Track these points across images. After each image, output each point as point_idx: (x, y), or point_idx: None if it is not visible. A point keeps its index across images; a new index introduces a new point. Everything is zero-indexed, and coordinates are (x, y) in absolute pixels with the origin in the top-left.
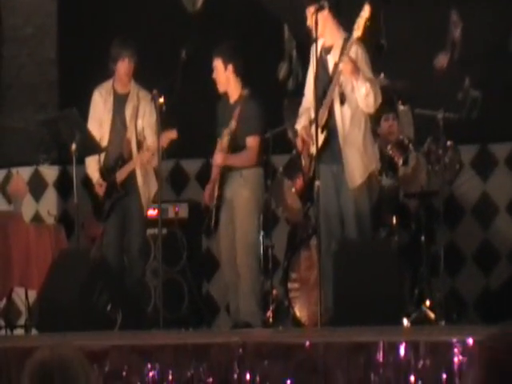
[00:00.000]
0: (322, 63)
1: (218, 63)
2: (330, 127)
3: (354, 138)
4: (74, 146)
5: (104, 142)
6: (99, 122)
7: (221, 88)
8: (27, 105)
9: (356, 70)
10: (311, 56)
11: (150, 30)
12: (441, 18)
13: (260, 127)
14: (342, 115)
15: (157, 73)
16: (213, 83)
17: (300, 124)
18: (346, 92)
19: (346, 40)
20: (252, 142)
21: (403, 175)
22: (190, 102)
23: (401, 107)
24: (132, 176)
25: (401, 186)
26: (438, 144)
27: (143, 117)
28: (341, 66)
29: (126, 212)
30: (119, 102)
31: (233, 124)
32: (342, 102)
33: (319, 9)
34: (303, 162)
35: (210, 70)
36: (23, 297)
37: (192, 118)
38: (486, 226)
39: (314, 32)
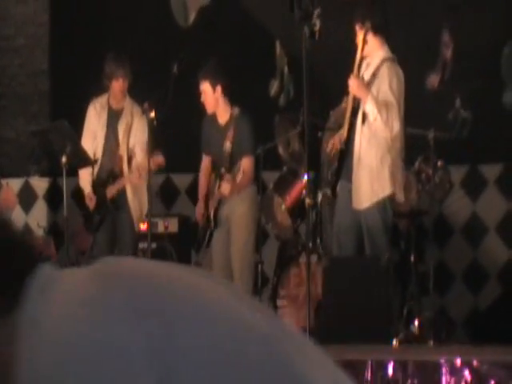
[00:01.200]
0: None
1: (205, 86)
2: (348, 143)
3: (368, 160)
4: (64, 158)
5: (97, 156)
6: (93, 135)
7: (210, 110)
8: (18, 115)
9: (361, 90)
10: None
11: (141, 43)
12: (432, 38)
13: (253, 146)
14: (361, 134)
15: (148, 87)
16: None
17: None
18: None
19: (385, 60)
20: (247, 163)
21: (393, 194)
22: (181, 116)
23: None
24: (122, 192)
25: (391, 204)
26: (428, 163)
27: (135, 134)
28: (349, 82)
29: (117, 227)
30: (113, 117)
31: (228, 146)
32: (363, 120)
33: (366, 29)
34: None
35: (198, 85)
36: None
37: (183, 132)
38: (475, 246)
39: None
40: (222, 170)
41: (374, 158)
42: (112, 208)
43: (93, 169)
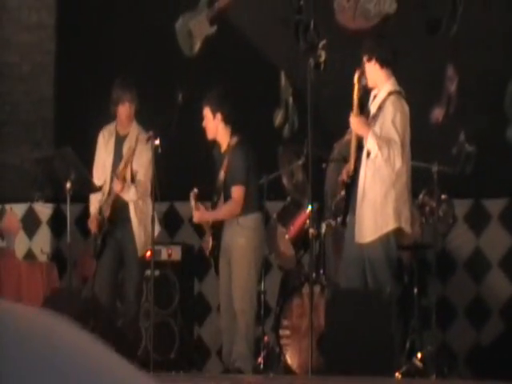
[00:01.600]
0: (367, 112)
1: (206, 112)
2: (354, 177)
3: (371, 195)
4: (68, 185)
5: (107, 183)
6: (103, 163)
7: (209, 135)
8: (22, 142)
9: (362, 127)
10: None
11: (147, 71)
12: (437, 72)
13: (246, 176)
14: (366, 168)
15: (153, 115)
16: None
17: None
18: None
19: (391, 93)
20: (236, 192)
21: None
22: (186, 145)
23: None
24: (124, 214)
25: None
26: (432, 197)
27: (138, 158)
28: (350, 120)
29: (122, 253)
30: (119, 143)
31: (221, 175)
32: (369, 154)
33: (369, 59)
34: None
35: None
36: None
37: (187, 160)
38: (478, 281)
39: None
40: (215, 198)
41: (378, 192)
42: (109, 228)
43: (103, 195)
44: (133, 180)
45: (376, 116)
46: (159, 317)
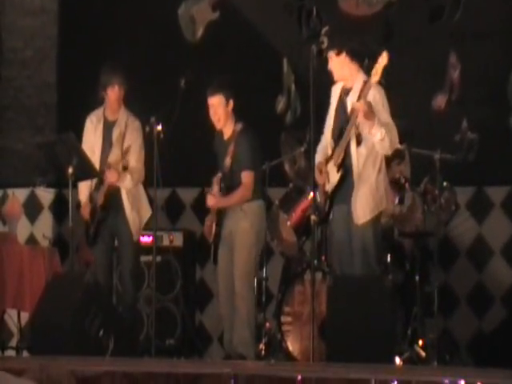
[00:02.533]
0: (341, 104)
1: (219, 100)
2: (345, 167)
3: (367, 177)
4: (70, 170)
5: (96, 168)
6: (91, 149)
7: (220, 125)
8: (25, 127)
9: (371, 114)
10: (332, 97)
11: (149, 57)
12: (440, 59)
13: (253, 162)
14: (358, 155)
15: (155, 101)
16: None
17: (317, 160)
18: (362, 133)
19: (365, 83)
20: (246, 177)
21: (399, 214)
22: (188, 131)
23: (398, 146)
24: (116, 200)
25: (396, 224)
26: (434, 184)
27: (128, 143)
28: (356, 109)
29: (117, 238)
30: (108, 128)
31: (228, 161)
32: (359, 142)
33: (338, 53)
34: (319, 198)
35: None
36: (15, 318)
37: (189, 146)
38: (480, 269)
39: (334, 75)
40: (222, 185)
41: (372, 174)
42: (101, 215)
43: (91, 181)
44: (125, 167)
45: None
46: (161, 303)
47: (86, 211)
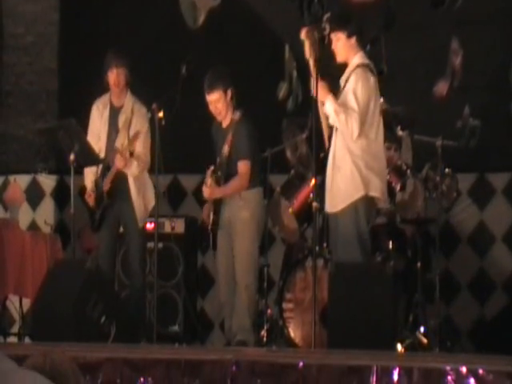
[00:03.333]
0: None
1: (218, 95)
2: (327, 153)
3: (342, 164)
4: (72, 156)
5: (102, 155)
6: (97, 135)
7: (221, 117)
8: (26, 113)
9: (322, 90)
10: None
11: (150, 44)
12: (441, 45)
13: (250, 151)
14: (336, 141)
15: (157, 87)
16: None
17: None
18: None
19: (358, 66)
20: (243, 167)
21: (400, 201)
22: (190, 118)
23: (400, 132)
24: (122, 186)
25: (398, 211)
26: (435, 171)
27: (134, 129)
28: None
29: (123, 224)
30: (114, 114)
31: (225, 150)
32: (337, 128)
33: (339, 34)
34: None
35: None
36: (17, 305)
37: (191, 133)
38: (481, 255)
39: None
40: (219, 173)
41: (348, 162)
42: (108, 202)
43: (97, 167)
44: (132, 153)
45: (343, 88)
46: (163, 289)
47: (91, 198)
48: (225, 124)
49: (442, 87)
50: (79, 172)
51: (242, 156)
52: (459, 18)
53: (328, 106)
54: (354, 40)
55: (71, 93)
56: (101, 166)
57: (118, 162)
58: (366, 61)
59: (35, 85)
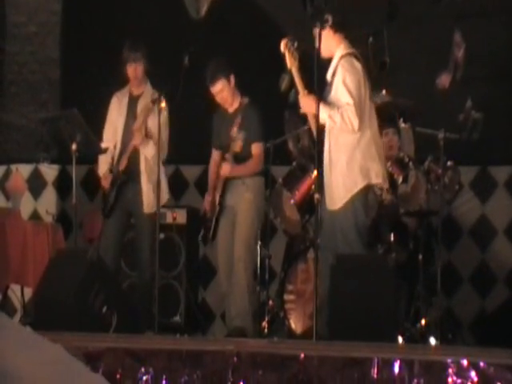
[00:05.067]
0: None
1: (221, 85)
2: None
3: (338, 161)
4: (74, 146)
5: (118, 144)
6: (114, 124)
7: (228, 104)
8: (29, 102)
9: (312, 105)
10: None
11: (153, 34)
12: (444, 38)
13: (262, 134)
14: (329, 137)
15: (159, 78)
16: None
17: None
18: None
19: (342, 57)
20: (257, 149)
21: (403, 193)
22: (192, 108)
23: (402, 125)
24: (134, 170)
25: (400, 203)
26: (438, 163)
27: (152, 119)
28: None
29: (133, 212)
30: (132, 102)
31: (235, 131)
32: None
33: (322, 27)
34: None
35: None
36: (19, 294)
37: (193, 123)
38: (483, 248)
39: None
40: (227, 155)
41: (344, 157)
42: (124, 178)
43: (113, 156)
44: (147, 134)
45: (331, 83)
46: (164, 280)
47: (106, 180)
48: (232, 109)
49: (444, 80)
50: (81, 162)
51: (256, 139)
52: (461, 10)
53: (322, 115)
54: (334, 32)
55: (73, 82)
56: (117, 153)
57: (135, 140)
58: (350, 49)
59: (37, 74)
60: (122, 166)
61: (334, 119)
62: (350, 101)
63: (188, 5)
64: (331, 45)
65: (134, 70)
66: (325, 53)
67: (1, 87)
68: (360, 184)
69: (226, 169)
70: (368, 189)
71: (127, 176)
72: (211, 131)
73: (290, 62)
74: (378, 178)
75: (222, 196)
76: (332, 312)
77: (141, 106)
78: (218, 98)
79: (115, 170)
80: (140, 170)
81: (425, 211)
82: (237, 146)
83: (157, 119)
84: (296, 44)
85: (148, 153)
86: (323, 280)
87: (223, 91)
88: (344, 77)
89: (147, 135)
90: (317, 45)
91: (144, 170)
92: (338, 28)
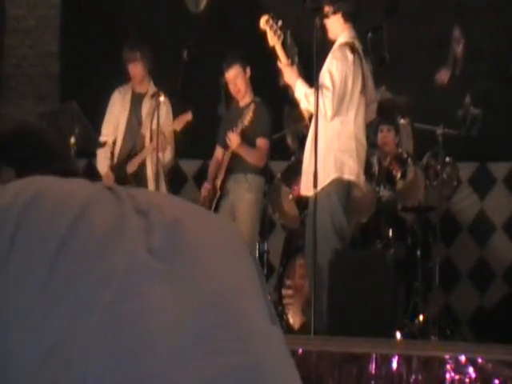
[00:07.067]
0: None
1: (236, 71)
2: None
3: (318, 148)
4: (72, 140)
5: (119, 140)
6: (116, 118)
7: (240, 96)
8: (27, 96)
9: (290, 76)
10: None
11: (151, 28)
12: (443, 34)
13: (269, 131)
14: (314, 123)
15: (158, 72)
16: (214, 85)
17: None
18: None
19: (341, 45)
20: (262, 143)
21: (401, 189)
22: (190, 103)
23: (401, 120)
24: (143, 172)
25: (398, 199)
26: (436, 159)
27: (160, 117)
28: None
29: None
30: (136, 100)
31: (242, 125)
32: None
33: (334, 12)
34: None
35: (211, 71)
36: None
37: (192, 118)
38: (482, 244)
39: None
40: (235, 129)
41: (322, 145)
42: (133, 184)
43: (112, 151)
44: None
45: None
46: None
47: (109, 180)
48: (243, 103)
49: (443, 75)
50: (80, 155)
51: (263, 134)
52: (461, 5)
53: (297, 91)
54: (339, 18)
55: (72, 76)
56: (118, 149)
57: (154, 144)
58: (350, 39)
59: (36, 68)
60: (132, 169)
61: (308, 99)
62: (330, 87)
63: None
64: (338, 30)
65: (135, 69)
66: (330, 34)
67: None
68: (331, 176)
69: (235, 139)
70: (343, 183)
71: (137, 180)
72: (211, 126)
73: (273, 40)
74: (351, 174)
75: (222, 186)
76: (330, 306)
77: (146, 107)
78: (231, 86)
79: (122, 172)
80: (147, 175)
81: (423, 207)
82: (246, 119)
83: (160, 114)
84: (280, 23)
85: (167, 158)
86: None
87: (237, 78)
88: (331, 64)
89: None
90: (316, 37)
91: (151, 175)
92: (348, 18)
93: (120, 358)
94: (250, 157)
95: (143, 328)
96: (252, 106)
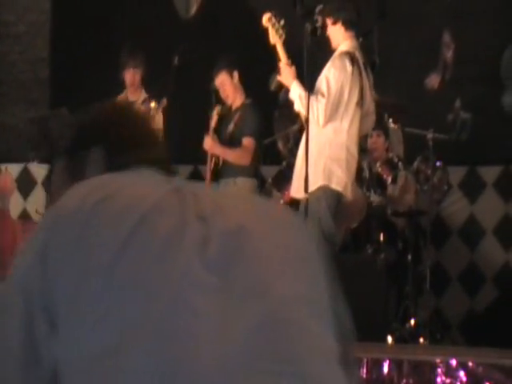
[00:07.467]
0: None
1: (223, 77)
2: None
3: (310, 153)
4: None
5: None
6: None
7: (229, 101)
8: (18, 102)
9: (287, 76)
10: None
11: (142, 34)
12: (433, 38)
13: (256, 131)
14: (309, 129)
15: (149, 78)
16: (204, 91)
17: None
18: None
19: (341, 54)
20: (246, 142)
21: (392, 193)
22: (181, 108)
23: (391, 125)
24: None
25: (389, 203)
26: (427, 164)
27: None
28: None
29: None
30: None
31: (231, 128)
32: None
33: (334, 22)
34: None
35: (202, 77)
36: None
37: (182, 124)
38: (472, 248)
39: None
40: (211, 133)
41: (314, 151)
42: None
43: None
44: None
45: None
46: None
47: None
48: (234, 106)
49: (433, 80)
50: None
51: (248, 133)
52: (451, 10)
53: (293, 92)
54: (340, 26)
55: (63, 82)
56: None
57: None
58: (351, 49)
59: (27, 74)
60: None
61: (302, 101)
62: (325, 94)
63: (177, 4)
64: (339, 39)
65: (132, 76)
66: (334, 45)
67: None
68: (319, 183)
69: (208, 143)
70: (332, 191)
71: None
72: (202, 132)
73: (274, 38)
74: (338, 184)
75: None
76: None
77: None
78: (221, 92)
79: None
80: None
81: (414, 211)
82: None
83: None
84: (282, 22)
85: None
86: None
87: (225, 84)
88: (329, 72)
89: None
90: (307, 42)
91: None
92: (349, 26)
93: (164, 374)
94: (232, 156)
95: (187, 342)
96: (237, 115)
